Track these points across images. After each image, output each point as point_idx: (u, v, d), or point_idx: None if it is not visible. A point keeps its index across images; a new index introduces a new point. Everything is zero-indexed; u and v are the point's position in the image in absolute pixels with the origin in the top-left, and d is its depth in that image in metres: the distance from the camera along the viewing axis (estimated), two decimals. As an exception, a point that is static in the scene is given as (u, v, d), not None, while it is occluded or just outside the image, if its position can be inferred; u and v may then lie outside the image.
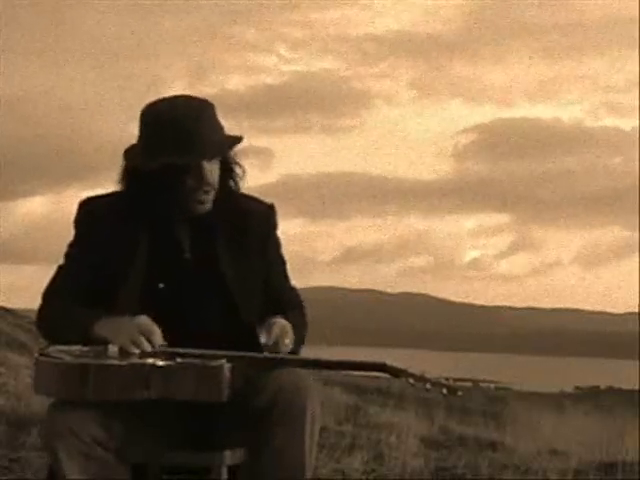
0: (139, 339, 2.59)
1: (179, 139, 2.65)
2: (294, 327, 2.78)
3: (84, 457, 2.52)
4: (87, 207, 2.83)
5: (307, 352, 2.87)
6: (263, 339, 2.66)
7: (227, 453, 2.74)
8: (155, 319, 2.65)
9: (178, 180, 2.70)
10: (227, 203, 2.80)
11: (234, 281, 2.81)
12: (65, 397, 2.54)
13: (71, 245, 2.84)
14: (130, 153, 2.76)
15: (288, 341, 2.71)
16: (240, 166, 2.83)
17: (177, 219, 2.78)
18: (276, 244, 2.94)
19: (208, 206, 2.76)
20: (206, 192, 2.73)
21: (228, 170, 2.80)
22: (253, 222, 2.87)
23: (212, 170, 2.72)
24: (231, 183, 2.82)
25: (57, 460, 2.52)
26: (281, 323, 2.72)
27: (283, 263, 2.96)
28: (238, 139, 2.76)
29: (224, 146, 2.75)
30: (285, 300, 2.91)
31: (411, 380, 2.65)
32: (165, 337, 2.64)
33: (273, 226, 2.93)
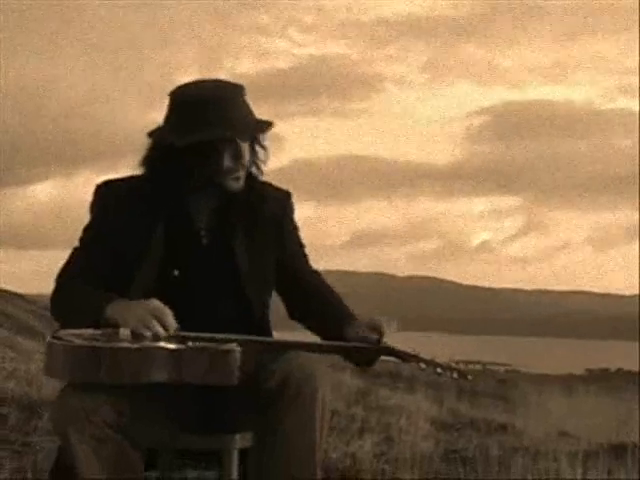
0: (151, 322, 2.59)
1: (218, 116, 2.66)
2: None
3: (96, 441, 2.51)
4: (104, 190, 2.82)
5: (316, 336, 2.87)
6: (380, 340, 2.68)
7: (238, 436, 2.75)
8: (167, 305, 2.65)
9: (213, 158, 2.69)
10: (246, 190, 2.80)
11: (248, 273, 2.81)
12: (77, 380, 2.53)
13: (87, 229, 2.83)
14: (157, 134, 2.74)
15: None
16: (265, 149, 2.83)
17: (195, 205, 2.78)
18: (294, 230, 2.95)
19: (241, 183, 2.76)
20: (240, 170, 2.74)
21: (253, 153, 2.81)
22: (270, 210, 2.87)
23: (246, 150, 2.74)
24: (254, 167, 2.82)
25: (69, 444, 2.52)
26: (386, 320, 2.73)
27: (302, 247, 2.98)
28: (269, 124, 2.76)
29: (259, 127, 2.75)
30: (318, 286, 2.93)
31: (422, 365, 2.65)
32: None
33: (290, 212, 2.94)
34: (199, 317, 2.72)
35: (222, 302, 2.81)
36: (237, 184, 2.76)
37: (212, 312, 2.78)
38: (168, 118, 2.74)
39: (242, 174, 2.75)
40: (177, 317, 2.63)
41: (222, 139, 2.68)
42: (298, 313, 2.96)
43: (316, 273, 2.99)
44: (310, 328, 2.92)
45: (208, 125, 2.65)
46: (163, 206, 2.77)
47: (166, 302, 2.64)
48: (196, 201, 2.80)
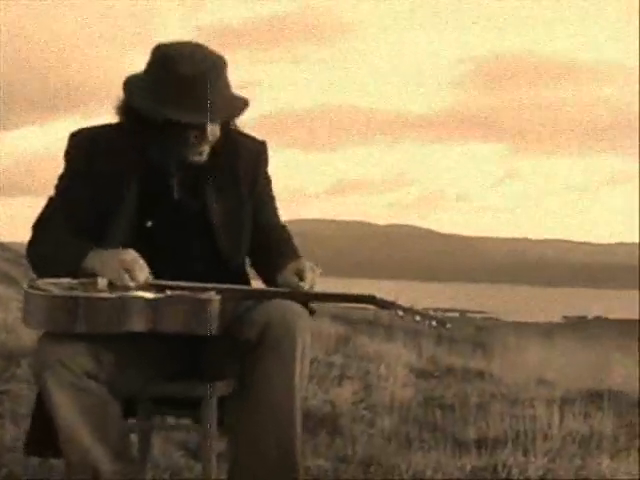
0: (127, 273, 2.59)
1: (190, 98, 2.61)
2: None
3: (75, 390, 2.52)
4: (78, 140, 2.80)
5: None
6: (299, 284, 2.67)
7: (218, 384, 2.76)
8: (143, 256, 2.64)
9: (180, 134, 2.67)
10: (220, 149, 2.77)
11: (220, 224, 2.80)
12: (54, 330, 2.54)
13: (61, 177, 2.81)
14: (131, 87, 2.69)
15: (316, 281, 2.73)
16: (235, 125, 2.81)
17: (170, 162, 2.75)
18: (266, 181, 2.93)
19: (204, 158, 2.74)
20: (205, 146, 2.71)
21: (225, 124, 2.77)
22: (244, 159, 2.86)
23: (214, 129, 2.70)
24: (226, 134, 2.77)
25: (47, 392, 2.53)
26: (310, 265, 2.72)
27: (273, 200, 2.95)
28: (245, 104, 2.72)
29: (232, 111, 2.72)
30: (278, 238, 2.91)
31: (400, 312, 2.65)
32: (151, 274, 2.63)
33: (264, 163, 2.92)
34: (173, 269, 2.71)
35: (196, 255, 2.80)
36: (200, 157, 2.73)
37: (185, 264, 2.77)
38: (146, 76, 2.69)
39: (206, 149, 2.73)
40: (151, 269, 2.64)
41: (190, 122, 2.64)
42: (254, 264, 2.93)
43: (283, 228, 2.96)
44: (260, 278, 2.92)
45: (180, 106, 2.61)
46: (137, 157, 2.74)
47: (140, 252, 2.64)
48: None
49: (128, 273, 2.59)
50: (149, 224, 2.77)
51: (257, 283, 2.90)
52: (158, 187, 2.77)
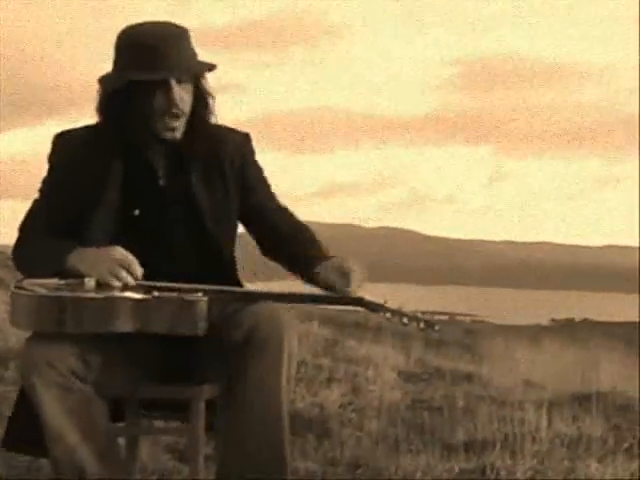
0: (117, 271, 2.58)
1: (147, 56, 2.63)
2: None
3: (62, 390, 2.52)
4: (61, 141, 2.81)
5: (286, 286, 2.86)
6: (345, 286, 2.65)
7: (205, 387, 2.75)
8: (129, 246, 2.63)
9: (146, 100, 2.66)
10: (201, 132, 2.77)
11: (207, 210, 2.80)
12: (42, 330, 2.54)
13: (46, 179, 2.81)
14: (104, 79, 2.72)
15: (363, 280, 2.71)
16: (212, 97, 2.79)
17: (151, 146, 2.75)
18: (257, 170, 2.92)
19: (178, 134, 2.72)
20: (175, 116, 2.69)
21: (201, 100, 2.77)
22: (228, 151, 2.85)
23: (181, 94, 2.69)
24: (203, 113, 2.78)
25: (34, 393, 2.53)
26: (355, 265, 2.70)
27: (267, 184, 2.94)
28: (211, 66, 2.73)
29: (193, 67, 2.71)
30: (288, 222, 2.90)
31: (388, 315, 2.65)
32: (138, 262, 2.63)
33: (250, 153, 2.91)
34: (159, 257, 2.72)
35: (183, 241, 2.80)
36: (172, 134, 2.72)
37: (173, 252, 2.78)
38: (113, 62, 2.72)
39: (178, 123, 2.71)
40: (137, 258, 2.62)
41: (153, 81, 2.65)
42: (268, 251, 2.93)
43: (285, 210, 2.94)
44: (283, 266, 2.91)
45: (138, 66, 2.63)
46: (119, 150, 2.75)
47: (128, 242, 2.64)
48: (152, 144, 2.76)
49: (125, 269, 2.59)
50: (136, 212, 2.77)
51: (245, 277, 2.90)
52: (142, 177, 2.77)
